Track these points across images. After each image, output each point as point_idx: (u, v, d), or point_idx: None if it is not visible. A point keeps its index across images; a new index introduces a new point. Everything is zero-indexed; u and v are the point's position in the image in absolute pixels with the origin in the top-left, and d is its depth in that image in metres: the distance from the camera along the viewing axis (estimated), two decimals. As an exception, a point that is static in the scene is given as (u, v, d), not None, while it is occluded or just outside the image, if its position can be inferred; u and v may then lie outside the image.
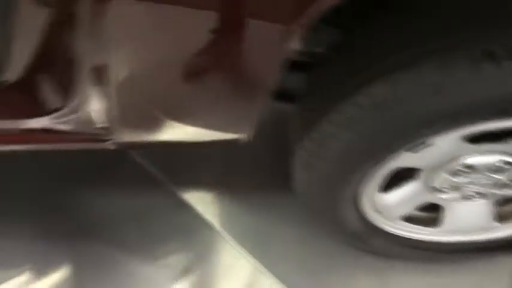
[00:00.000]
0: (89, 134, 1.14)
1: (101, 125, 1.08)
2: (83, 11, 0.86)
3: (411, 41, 0.98)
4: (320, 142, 1.08)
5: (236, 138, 1.14)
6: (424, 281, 1.45)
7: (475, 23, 0.96)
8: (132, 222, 1.55)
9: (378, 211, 1.27)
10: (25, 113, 1.14)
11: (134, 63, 0.94)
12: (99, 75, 0.96)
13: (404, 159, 1.11)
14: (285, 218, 1.54)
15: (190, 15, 0.85)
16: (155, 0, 0.83)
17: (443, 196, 1.22)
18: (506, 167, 1.13)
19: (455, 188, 1.19)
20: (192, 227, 1.54)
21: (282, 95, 1.16)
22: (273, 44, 0.87)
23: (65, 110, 1.07)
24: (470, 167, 1.13)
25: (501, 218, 1.32)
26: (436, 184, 1.19)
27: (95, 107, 1.04)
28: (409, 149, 1.08)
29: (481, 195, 1.22)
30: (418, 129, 1.01)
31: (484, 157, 1.12)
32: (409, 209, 1.29)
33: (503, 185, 1.19)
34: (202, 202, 1.58)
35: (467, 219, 1.30)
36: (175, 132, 1.11)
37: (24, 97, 1.11)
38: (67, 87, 1.03)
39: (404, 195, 1.25)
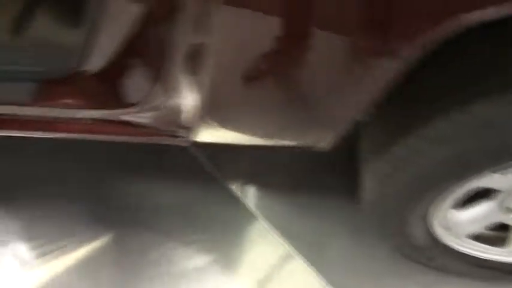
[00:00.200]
0: (166, 130, 1.13)
1: (184, 125, 1.06)
2: None
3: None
4: (407, 157, 1.05)
5: (315, 146, 1.11)
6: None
7: None
8: (178, 212, 1.55)
9: (447, 228, 1.25)
10: (104, 103, 1.12)
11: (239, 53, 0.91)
12: (195, 63, 0.93)
13: (488, 180, 1.09)
14: (341, 224, 1.53)
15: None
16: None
17: (517, 218, 1.20)
18: None
19: (530, 210, 1.17)
20: (241, 222, 1.54)
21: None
22: (387, 62, 0.84)
23: (148, 105, 1.06)
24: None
25: None
26: (512, 205, 1.16)
27: (183, 105, 1.01)
28: (496, 171, 1.05)
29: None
30: None
31: None
32: (480, 228, 1.27)
33: None
34: (252, 198, 1.58)
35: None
36: (256, 135, 1.09)
37: (105, 88, 1.10)
38: (154, 81, 1.02)
39: (478, 214, 1.22)
